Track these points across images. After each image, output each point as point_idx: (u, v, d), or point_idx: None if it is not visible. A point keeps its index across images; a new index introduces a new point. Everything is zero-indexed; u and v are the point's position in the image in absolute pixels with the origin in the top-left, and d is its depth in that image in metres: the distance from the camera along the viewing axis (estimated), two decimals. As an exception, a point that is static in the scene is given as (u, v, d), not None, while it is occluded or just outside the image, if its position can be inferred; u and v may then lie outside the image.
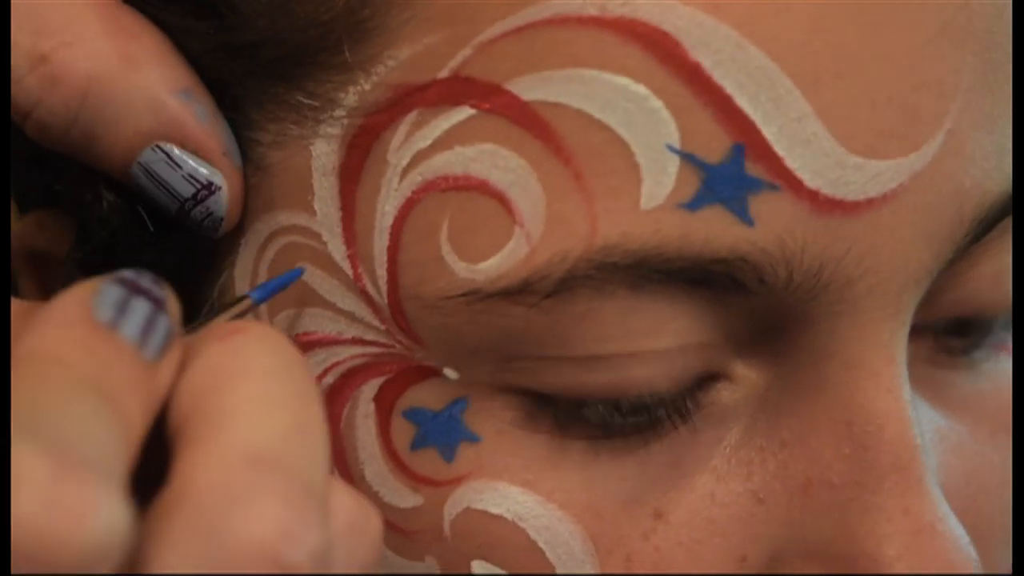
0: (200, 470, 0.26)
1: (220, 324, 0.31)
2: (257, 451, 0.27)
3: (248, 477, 0.26)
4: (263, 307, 0.37)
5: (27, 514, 0.23)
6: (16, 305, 0.30)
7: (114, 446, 0.26)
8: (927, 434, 0.37)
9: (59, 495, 0.23)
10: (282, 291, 0.35)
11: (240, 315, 0.34)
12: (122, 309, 0.28)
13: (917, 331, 0.38)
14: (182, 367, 0.29)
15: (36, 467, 0.23)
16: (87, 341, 0.27)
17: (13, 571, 0.23)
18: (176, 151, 0.35)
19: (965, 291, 0.38)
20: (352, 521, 0.29)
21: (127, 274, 0.29)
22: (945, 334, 0.39)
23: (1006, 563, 0.41)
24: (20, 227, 0.42)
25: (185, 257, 0.38)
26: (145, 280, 0.29)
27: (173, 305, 0.30)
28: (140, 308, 0.28)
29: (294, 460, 0.27)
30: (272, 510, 0.26)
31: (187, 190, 0.35)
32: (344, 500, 0.29)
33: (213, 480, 0.26)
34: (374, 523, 0.30)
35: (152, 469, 0.28)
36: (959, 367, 0.40)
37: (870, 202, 0.33)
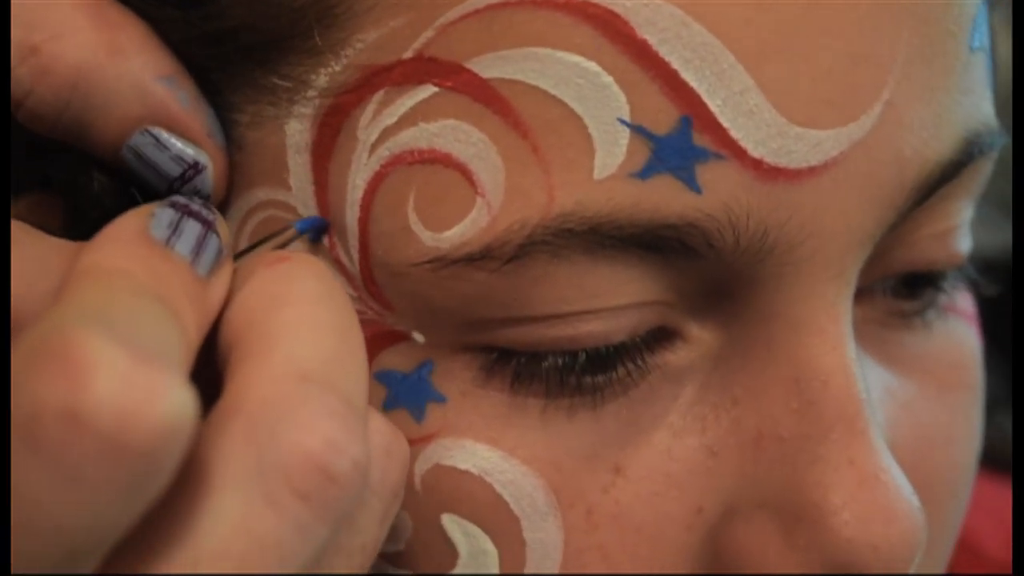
0: (254, 384, 0.29)
1: (266, 252, 0.34)
2: (306, 368, 0.30)
3: (298, 391, 0.29)
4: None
5: (106, 395, 0.25)
6: (70, 244, 0.33)
7: (176, 345, 0.28)
8: (875, 392, 0.39)
9: (137, 378, 0.25)
10: (321, 224, 0.37)
11: (283, 245, 0.37)
12: (175, 228, 0.31)
13: (868, 294, 0.40)
14: (232, 290, 0.32)
15: (114, 354, 0.25)
16: (145, 255, 0.30)
17: (91, 459, 0.25)
18: (163, 134, 0.37)
19: (912, 251, 0.40)
20: (387, 443, 0.32)
21: (179, 198, 0.32)
22: (896, 297, 0.41)
23: (955, 518, 0.43)
24: (14, 209, 0.44)
25: None
26: (196, 204, 0.32)
27: (222, 227, 0.33)
28: (192, 228, 0.32)
29: (340, 379, 0.30)
30: (320, 422, 0.29)
31: (175, 170, 0.37)
32: (379, 424, 0.32)
33: (266, 393, 0.29)
34: (404, 447, 0.33)
35: (200, 386, 0.30)
36: (912, 328, 0.41)
37: (812, 170, 0.35)
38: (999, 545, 0.61)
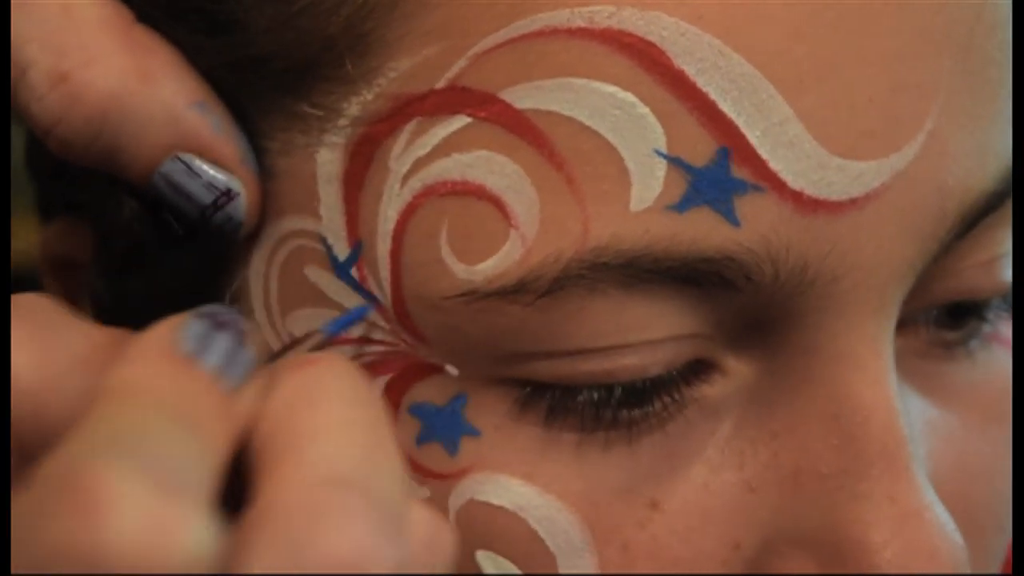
0: (284, 489, 0.28)
1: (292, 357, 0.33)
2: (338, 471, 0.29)
3: (330, 496, 0.28)
4: (275, 312, 0.38)
5: (125, 533, 0.25)
6: (103, 332, 0.32)
7: (201, 470, 0.28)
8: (917, 425, 0.38)
9: (157, 514, 0.25)
10: (356, 323, 0.37)
11: (315, 349, 0.36)
12: (204, 342, 0.30)
13: (909, 324, 0.39)
14: (262, 396, 0.31)
15: (133, 491, 0.25)
16: (172, 372, 0.29)
17: None
18: (195, 161, 0.36)
19: (956, 281, 0.39)
20: (429, 536, 0.31)
21: (210, 309, 0.31)
22: (939, 327, 0.40)
23: (999, 551, 0.42)
24: (44, 235, 0.44)
25: (201, 261, 0.39)
26: (228, 314, 0.31)
27: (255, 336, 0.32)
28: (223, 341, 0.30)
29: (373, 480, 0.29)
30: (353, 528, 0.27)
31: (207, 197, 0.36)
32: (421, 515, 0.31)
33: (296, 499, 0.28)
34: (449, 538, 0.32)
35: (231, 493, 0.29)
36: (954, 359, 0.41)
37: (853, 202, 0.34)
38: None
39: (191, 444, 0.28)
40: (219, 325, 0.31)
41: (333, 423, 0.30)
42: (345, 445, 0.29)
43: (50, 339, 0.31)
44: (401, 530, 0.29)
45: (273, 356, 0.35)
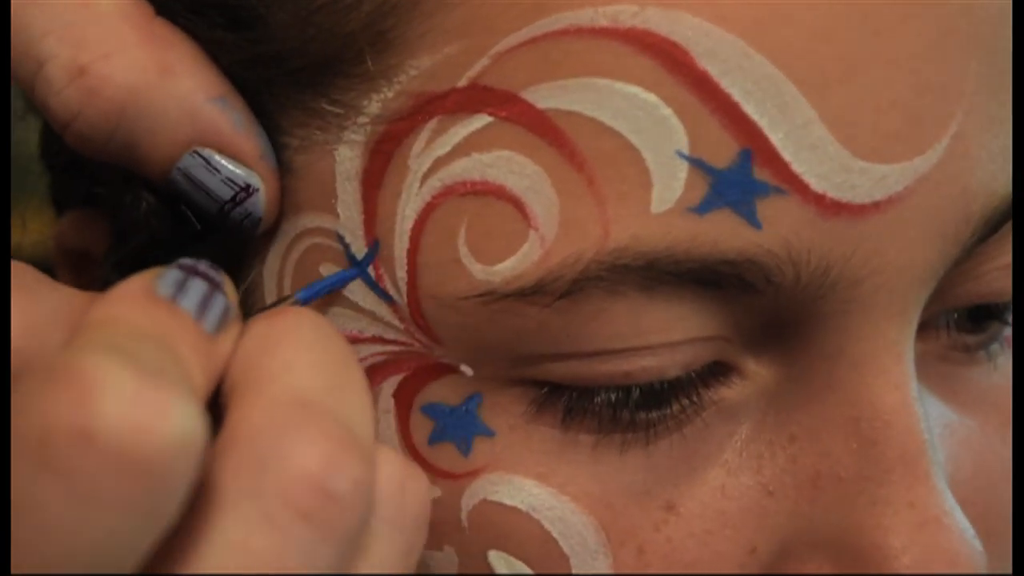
0: (252, 412, 0.30)
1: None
2: (303, 395, 0.30)
3: (296, 415, 0.29)
4: None
5: (115, 412, 0.25)
6: (82, 294, 0.32)
7: (183, 377, 0.28)
8: (936, 429, 0.38)
9: (145, 395, 0.26)
10: (332, 289, 0.37)
11: None
12: (181, 287, 0.31)
13: (930, 328, 0.39)
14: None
15: (122, 373, 0.26)
16: (150, 309, 0.30)
17: (104, 476, 0.25)
18: (215, 156, 0.36)
19: (977, 284, 0.38)
20: (399, 475, 0.32)
21: (185, 260, 0.32)
22: (960, 330, 0.40)
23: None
24: (59, 227, 0.44)
25: (218, 257, 0.39)
26: (202, 265, 0.32)
27: (230, 287, 0.33)
28: (198, 287, 0.32)
29: (338, 407, 0.30)
30: (317, 443, 0.29)
31: (226, 193, 0.36)
32: (391, 457, 0.32)
33: (263, 419, 0.29)
34: (422, 483, 0.33)
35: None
36: (974, 362, 0.40)
37: (876, 205, 0.34)
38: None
39: (172, 359, 0.29)
40: (194, 273, 0.32)
41: (300, 359, 0.31)
42: (311, 376, 0.31)
43: (32, 300, 0.31)
44: (368, 454, 0.30)
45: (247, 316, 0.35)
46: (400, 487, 0.32)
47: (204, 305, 0.31)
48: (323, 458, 0.28)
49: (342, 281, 0.37)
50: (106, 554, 0.26)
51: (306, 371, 0.31)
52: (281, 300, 0.36)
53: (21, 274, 0.32)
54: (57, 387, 0.25)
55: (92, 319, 0.29)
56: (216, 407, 0.31)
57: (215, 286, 0.32)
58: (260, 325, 0.32)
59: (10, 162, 0.42)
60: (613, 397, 0.35)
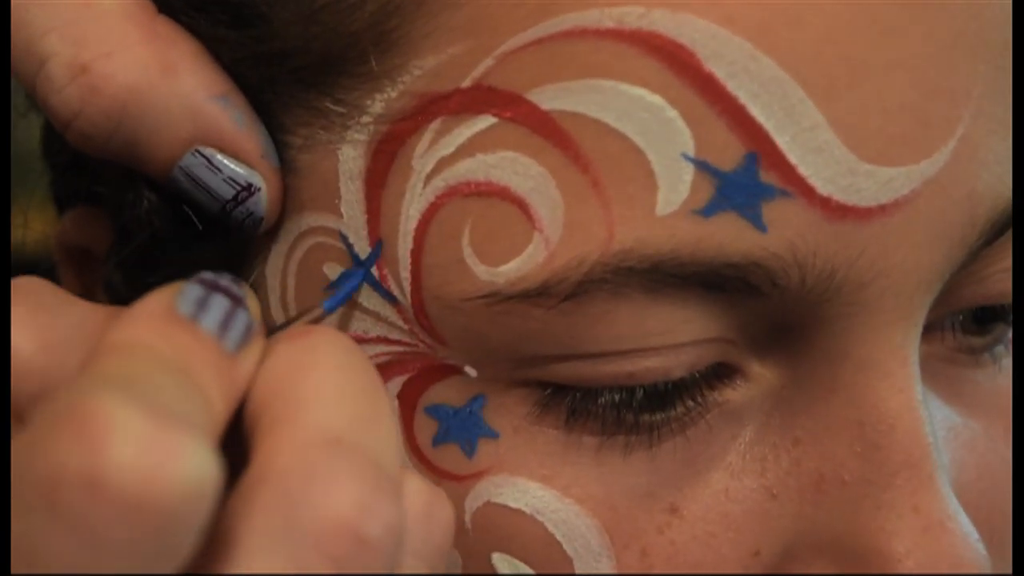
0: (281, 451, 0.29)
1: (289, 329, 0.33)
2: (333, 433, 0.29)
3: (326, 457, 0.28)
4: (292, 308, 0.38)
5: (124, 458, 0.25)
6: (102, 309, 0.32)
7: (200, 411, 0.28)
8: (940, 432, 0.38)
9: (155, 439, 0.25)
10: (347, 299, 0.37)
11: (312, 323, 0.36)
12: (202, 305, 0.31)
13: (935, 330, 0.39)
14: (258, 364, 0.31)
15: (132, 417, 0.25)
16: (170, 331, 0.29)
17: (113, 524, 0.25)
18: (216, 155, 0.36)
19: (983, 286, 0.38)
20: (426, 506, 0.31)
21: (207, 275, 0.32)
22: (966, 332, 0.40)
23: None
24: (60, 224, 0.44)
25: (220, 256, 0.39)
26: (224, 280, 0.32)
27: (252, 303, 0.32)
28: (219, 303, 0.31)
29: (369, 441, 0.29)
30: (349, 486, 0.28)
31: (228, 192, 0.36)
32: (418, 485, 0.31)
33: (293, 460, 0.28)
34: (448, 510, 0.32)
35: (232, 461, 0.29)
36: (979, 365, 0.40)
37: (882, 208, 0.34)
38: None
39: (188, 390, 0.28)
40: (216, 289, 0.31)
41: (328, 389, 0.30)
42: (339, 409, 0.30)
43: (50, 318, 0.31)
44: (398, 492, 0.29)
45: (272, 331, 0.34)
46: (426, 516, 0.31)
47: (226, 323, 0.30)
48: (356, 503, 0.28)
49: (359, 284, 0.36)
50: None
51: (335, 403, 0.30)
52: (305, 311, 0.36)
53: (39, 292, 0.32)
54: (65, 431, 0.25)
55: (109, 343, 0.29)
56: (239, 427, 0.31)
57: (237, 301, 0.31)
58: (286, 347, 0.31)
59: (10, 162, 0.41)
60: (617, 398, 0.35)
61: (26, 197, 0.47)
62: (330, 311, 0.36)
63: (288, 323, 0.35)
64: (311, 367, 0.31)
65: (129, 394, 0.26)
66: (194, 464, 0.25)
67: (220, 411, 0.29)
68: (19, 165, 0.45)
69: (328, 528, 0.27)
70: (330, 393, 0.30)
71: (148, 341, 0.29)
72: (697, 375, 0.36)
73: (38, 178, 0.47)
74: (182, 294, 0.30)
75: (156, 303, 0.30)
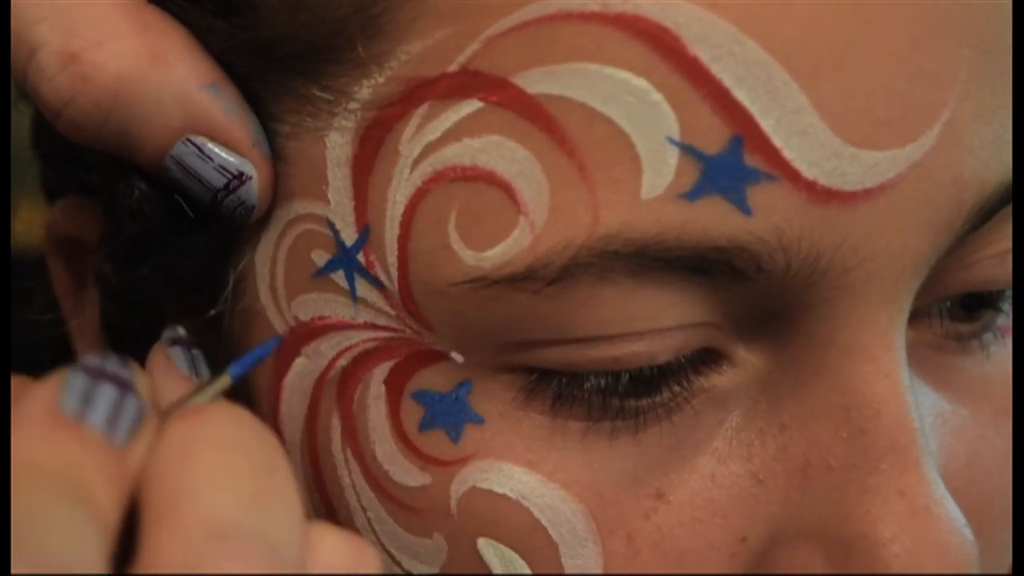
0: (164, 548, 0.28)
1: (181, 409, 0.32)
2: (218, 523, 0.28)
3: (210, 549, 0.28)
4: (281, 295, 0.38)
5: None
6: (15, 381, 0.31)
7: (90, 546, 0.27)
8: (928, 418, 0.38)
9: None
10: (261, 361, 0.36)
11: (219, 392, 0.34)
12: (87, 399, 0.29)
13: (924, 316, 0.39)
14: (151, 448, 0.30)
15: None
16: (54, 438, 0.29)
17: None
18: (207, 144, 0.36)
19: (970, 272, 0.38)
20: (350, 562, 0.30)
21: (92, 362, 0.30)
22: (954, 319, 0.40)
23: (1007, 544, 0.41)
24: (50, 214, 0.44)
25: (211, 245, 0.39)
26: (111, 364, 0.30)
27: (143, 383, 0.31)
28: (106, 395, 0.30)
29: (258, 525, 0.28)
30: None
31: (219, 181, 0.36)
32: (336, 545, 0.30)
33: (176, 557, 0.28)
34: (373, 563, 0.31)
35: (130, 542, 0.29)
36: (968, 352, 0.40)
37: (867, 192, 0.34)
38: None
39: (79, 521, 0.27)
40: (102, 376, 0.30)
41: (214, 473, 0.29)
42: (226, 494, 0.29)
43: None
44: (293, 570, 0.28)
45: (176, 402, 0.33)
46: (352, 572, 0.31)
47: (114, 416, 0.29)
48: None
49: (267, 352, 0.36)
50: None
51: (222, 487, 0.29)
52: (214, 378, 0.34)
53: None
54: None
55: (10, 458, 0.28)
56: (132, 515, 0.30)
57: (125, 387, 0.30)
58: (175, 428, 0.30)
59: (10, 161, 0.41)
60: (603, 382, 0.35)
61: (15, 187, 0.47)
62: (237, 379, 0.34)
63: (194, 393, 0.33)
64: (196, 452, 0.29)
65: (22, 556, 0.26)
66: None
67: (111, 518, 0.28)
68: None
69: None
70: (215, 476, 0.29)
71: (32, 457, 0.28)
72: (683, 359, 0.36)
73: (27, 168, 0.47)
74: (67, 389, 0.29)
75: (39, 404, 0.29)
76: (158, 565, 0.28)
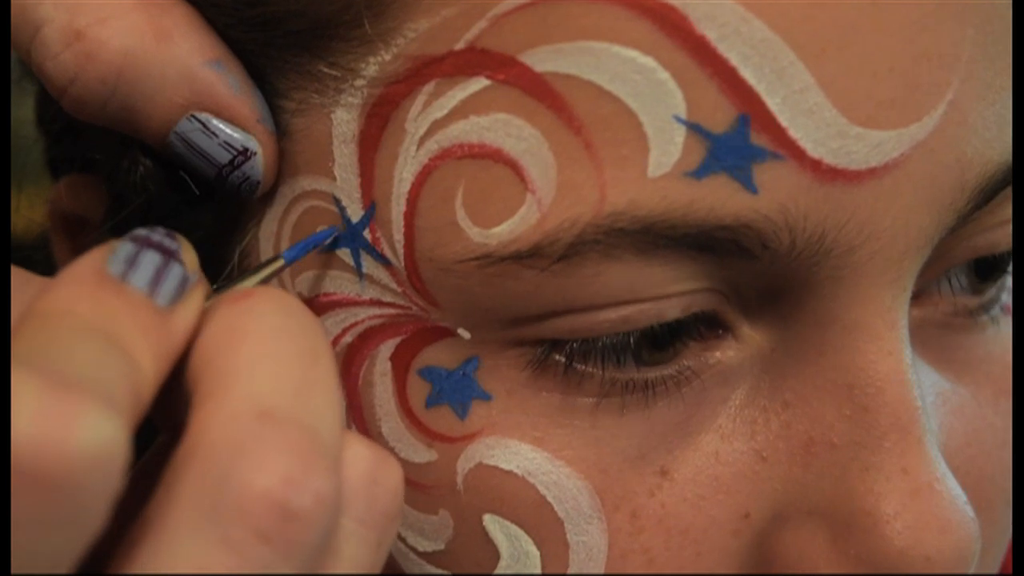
0: (210, 425, 0.28)
1: (232, 290, 0.33)
2: (265, 405, 0.29)
3: (255, 430, 0.28)
4: (286, 272, 0.38)
5: (19, 432, 0.24)
6: (37, 279, 0.31)
7: (117, 379, 0.27)
8: (929, 397, 0.38)
9: (48, 408, 0.25)
10: (315, 249, 0.37)
11: (272, 275, 0.36)
12: (132, 262, 0.30)
13: (929, 294, 0.39)
14: (198, 329, 0.31)
15: (28, 387, 0.25)
16: (95, 293, 0.29)
17: (16, 494, 0.24)
18: (212, 120, 0.36)
19: (973, 241, 0.38)
20: (370, 471, 0.31)
21: (140, 231, 0.31)
22: (963, 292, 0.40)
23: (1007, 522, 0.42)
24: (54, 191, 0.44)
25: (216, 221, 0.39)
26: (157, 234, 0.31)
27: (189, 255, 0.32)
28: (150, 259, 0.30)
29: (301, 412, 0.29)
30: (277, 460, 0.28)
31: (224, 157, 0.36)
32: (361, 451, 0.31)
33: (222, 434, 0.28)
34: (394, 473, 0.32)
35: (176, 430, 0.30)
36: (977, 328, 0.40)
37: (872, 171, 0.34)
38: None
39: (107, 356, 0.28)
40: (148, 245, 0.31)
41: (263, 357, 0.30)
42: (274, 379, 0.29)
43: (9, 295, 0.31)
44: (333, 462, 0.29)
45: (225, 284, 0.34)
46: (371, 481, 0.31)
47: (157, 279, 0.30)
48: (283, 476, 0.28)
49: (325, 237, 0.36)
50: (27, 573, 0.25)
51: (269, 372, 0.29)
52: (265, 263, 0.36)
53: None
54: None
55: (32, 313, 0.28)
56: (182, 389, 0.31)
57: (169, 255, 0.31)
58: (224, 311, 0.31)
59: (10, 159, 0.41)
60: (614, 342, 0.35)
61: (18, 168, 0.47)
62: (290, 262, 0.35)
63: (247, 275, 0.35)
64: (246, 334, 0.30)
65: (32, 365, 0.25)
66: (93, 432, 0.25)
67: (149, 370, 0.29)
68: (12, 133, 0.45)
69: (255, 503, 0.27)
70: (264, 361, 0.30)
71: (69, 306, 0.28)
72: (690, 323, 0.36)
73: (31, 146, 0.47)
74: (113, 253, 0.30)
75: (85, 266, 0.30)
76: (204, 438, 0.28)
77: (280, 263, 0.36)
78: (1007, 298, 0.41)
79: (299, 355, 0.30)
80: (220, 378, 0.29)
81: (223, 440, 0.28)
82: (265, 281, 0.36)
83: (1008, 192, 0.37)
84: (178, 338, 0.30)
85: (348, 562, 0.30)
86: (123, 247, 0.30)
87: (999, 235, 0.38)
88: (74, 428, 0.25)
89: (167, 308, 0.30)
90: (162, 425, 0.33)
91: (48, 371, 0.25)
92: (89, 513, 0.26)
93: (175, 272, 0.31)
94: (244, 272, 0.35)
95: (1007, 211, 0.38)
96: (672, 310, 0.35)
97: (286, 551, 0.28)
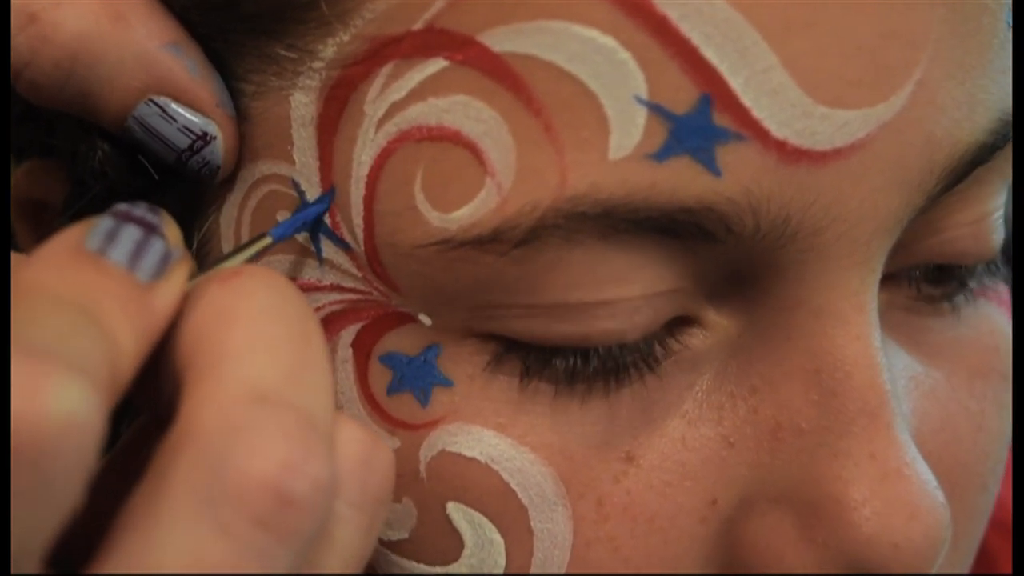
0: (204, 408, 0.28)
1: (222, 268, 0.33)
2: (259, 388, 0.28)
3: (250, 414, 0.28)
4: None
5: None
6: (20, 257, 0.31)
7: (89, 349, 0.27)
8: (901, 381, 0.38)
9: (19, 377, 0.24)
10: (296, 229, 0.36)
11: (259, 253, 0.35)
12: (111, 237, 0.30)
13: (895, 279, 0.38)
14: (185, 309, 0.30)
15: None
16: (72, 268, 0.29)
17: None
18: (170, 104, 0.35)
19: (942, 238, 0.38)
20: (363, 453, 0.31)
21: (120, 206, 0.31)
22: (924, 281, 0.39)
23: (983, 510, 0.41)
24: (15, 177, 0.43)
25: (176, 206, 0.39)
26: (138, 209, 0.31)
27: (171, 230, 0.31)
28: (130, 234, 0.30)
29: (296, 396, 0.29)
30: (273, 444, 0.27)
31: (183, 141, 0.36)
32: (353, 433, 0.31)
33: (216, 418, 0.28)
34: (386, 456, 0.31)
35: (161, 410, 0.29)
36: (939, 314, 0.40)
37: (837, 152, 0.33)
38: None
39: (77, 325, 0.27)
40: (128, 219, 0.30)
41: (256, 340, 0.29)
42: (267, 362, 0.29)
43: None
44: (328, 446, 0.29)
45: (212, 263, 0.34)
46: (363, 464, 0.31)
47: (137, 253, 0.30)
48: (280, 461, 0.27)
49: (312, 215, 0.36)
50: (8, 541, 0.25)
51: (261, 354, 0.29)
52: (252, 240, 0.35)
53: None
54: None
55: (12, 287, 0.28)
56: (167, 368, 0.30)
57: (150, 230, 0.30)
58: (215, 290, 0.31)
59: (10, 157, 0.41)
60: (571, 362, 0.35)
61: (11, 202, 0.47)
62: (278, 240, 0.35)
63: (232, 253, 0.35)
64: (238, 316, 0.30)
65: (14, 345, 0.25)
66: (59, 399, 0.25)
67: (127, 344, 0.28)
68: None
69: (252, 489, 0.27)
70: (257, 345, 0.29)
71: (43, 280, 0.28)
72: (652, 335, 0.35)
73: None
74: (92, 228, 0.30)
75: (63, 241, 0.29)
76: (198, 422, 0.28)
77: (268, 241, 0.35)
78: (974, 283, 0.40)
79: (291, 336, 0.30)
80: (212, 360, 0.29)
81: (218, 424, 0.28)
82: (252, 260, 0.35)
83: (977, 179, 0.37)
84: (160, 314, 0.30)
85: (341, 547, 0.30)
86: (103, 222, 0.30)
87: (968, 244, 0.38)
88: (40, 395, 0.24)
89: (148, 283, 0.30)
90: (144, 406, 0.33)
91: (16, 342, 0.25)
92: (60, 486, 0.25)
93: (156, 247, 0.30)
94: (229, 253, 0.35)
95: (979, 206, 0.38)
96: (633, 332, 0.35)
97: (283, 537, 0.27)
